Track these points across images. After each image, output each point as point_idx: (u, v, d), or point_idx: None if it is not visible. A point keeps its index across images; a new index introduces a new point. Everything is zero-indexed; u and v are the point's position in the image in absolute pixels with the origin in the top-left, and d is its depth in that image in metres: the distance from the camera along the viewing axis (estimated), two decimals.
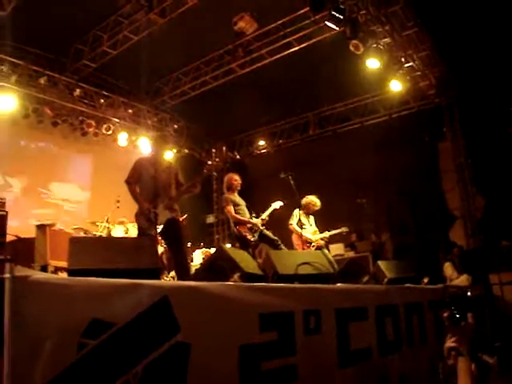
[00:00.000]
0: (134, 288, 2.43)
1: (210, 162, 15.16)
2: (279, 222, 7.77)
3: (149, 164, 5.81)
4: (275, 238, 7.11)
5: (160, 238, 5.84)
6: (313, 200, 8.03)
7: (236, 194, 7.33)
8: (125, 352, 2.31)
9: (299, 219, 7.76)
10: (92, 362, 2.16)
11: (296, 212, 7.76)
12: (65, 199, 11.84)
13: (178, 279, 5.32)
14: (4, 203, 6.80)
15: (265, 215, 7.33)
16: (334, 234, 8.19)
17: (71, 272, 3.16)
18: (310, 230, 7.92)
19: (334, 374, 3.57)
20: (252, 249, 6.98)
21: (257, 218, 7.25)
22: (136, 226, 6.03)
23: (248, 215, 7.22)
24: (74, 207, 11.97)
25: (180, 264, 5.62)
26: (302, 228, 7.74)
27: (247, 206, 7.33)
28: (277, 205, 7.47)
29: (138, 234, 5.75)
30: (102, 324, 2.23)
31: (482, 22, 8.78)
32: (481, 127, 10.42)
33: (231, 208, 7.13)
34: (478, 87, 10.19)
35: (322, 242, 7.98)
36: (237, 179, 7.40)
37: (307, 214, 8.00)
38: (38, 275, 2.13)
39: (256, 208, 7.62)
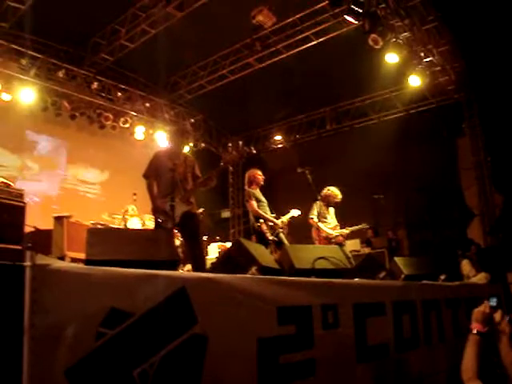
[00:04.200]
0: (152, 278, 2.42)
1: (226, 155, 15.14)
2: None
3: (166, 157, 5.83)
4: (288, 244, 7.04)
5: (176, 230, 5.85)
6: (334, 191, 7.90)
7: (258, 190, 7.29)
8: (142, 342, 2.30)
9: (320, 212, 7.63)
10: (110, 351, 2.16)
11: (316, 204, 7.60)
12: (85, 186, 11.98)
13: (194, 272, 5.32)
14: (22, 194, 6.85)
15: (285, 218, 7.27)
16: (354, 230, 8.11)
17: (89, 263, 3.15)
18: (330, 223, 7.80)
19: (351, 368, 3.55)
20: (271, 247, 6.93)
21: (277, 219, 7.21)
22: (153, 220, 6.07)
23: (270, 214, 7.18)
24: (92, 196, 12.09)
25: (196, 257, 5.64)
26: (322, 221, 7.65)
27: (268, 205, 7.28)
28: (295, 213, 7.39)
29: (155, 228, 5.78)
30: (120, 313, 2.22)
31: (501, 16, 8.64)
32: (500, 124, 10.29)
33: (254, 202, 7.08)
34: (498, 83, 10.04)
35: (342, 239, 7.90)
36: (260, 174, 7.36)
37: (327, 207, 7.90)
38: (59, 263, 2.13)
39: (272, 203, 7.59)
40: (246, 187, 7.40)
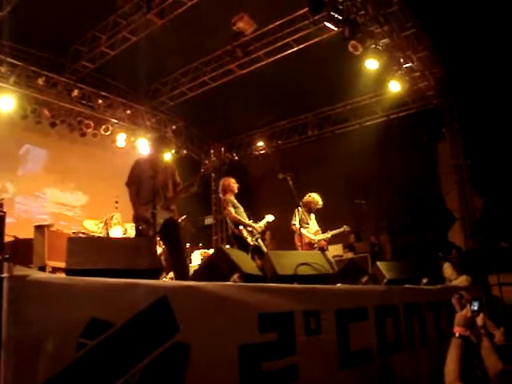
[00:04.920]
0: (133, 288, 2.42)
1: (207, 162, 15.11)
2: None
3: (146, 165, 5.83)
4: (265, 250, 7.06)
5: (158, 238, 5.83)
6: (315, 198, 8.03)
7: (234, 197, 7.32)
8: (124, 352, 2.29)
9: (301, 218, 7.68)
10: (91, 362, 2.14)
11: (297, 211, 7.68)
12: (61, 204, 11.83)
13: (177, 279, 5.30)
14: (2, 204, 6.77)
15: (262, 224, 7.32)
16: (336, 234, 8.17)
17: (69, 272, 3.14)
18: (312, 229, 7.89)
19: (334, 374, 3.56)
20: (251, 252, 6.95)
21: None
22: (134, 228, 6.05)
23: (247, 219, 7.22)
24: (71, 207, 11.95)
25: (178, 264, 5.63)
26: (304, 227, 7.70)
27: (245, 211, 7.33)
28: (270, 218, 7.45)
29: (137, 235, 5.76)
30: (100, 323, 2.21)
31: (480, 22, 8.78)
32: (480, 128, 10.42)
33: (232, 209, 7.11)
34: (477, 88, 10.18)
35: (324, 243, 7.96)
36: (234, 182, 7.43)
37: (309, 213, 7.99)
38: (37, 274, 2.11)
39: (254, 209, 7.62)
40: (221, 195, 7.44)
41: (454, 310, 2.99)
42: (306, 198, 8.01)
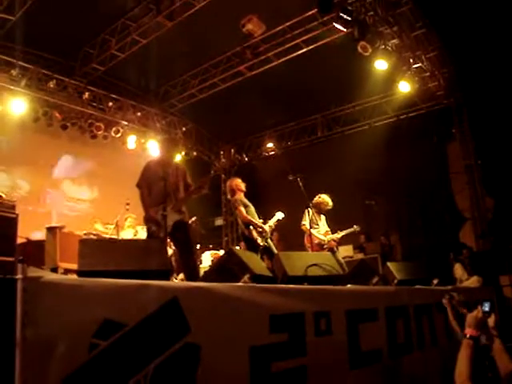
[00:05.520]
0: (144, 289, 2.44)
1: (217, 164, 15.17)
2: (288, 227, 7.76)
3: (157, 166, 5.86)
4: (275, 251, 7.05)
5: (169, 240, 5.86)
6: (325, 199, 8.03)
7: (243, 196, 7.32)
8: (136, 352, 2.31)
9: (311, 219, 7.66)
10: (103, 362, 2.17)
11: (307, 211, 7.63)
12: (73, 199, 11.91)
13: (187, 281, 5.32)
14: (14, 206, 6.82)
15: (272, 222, 7.31)
16: (346, 234, 8.15)
17: (81, 274, 3.16)
18: (321, 230, 7.88)
19: (344, 375, 3.56)
20: (260, 253, 6.96)
21: (264, 224, 7.24)
22: (145, 229, 6.08)
23: (257, 219, 7.21)
24: (82, 210, 12.02)
25: (189, 266, 5.65)
26: (314, 228, 7.69)
27: (255, 210, 7.32)
28: (280, 215, 7.44)
29: (147, 237, 5.79)
30: (113, 324, 2.23)
31: (489, 21, 8.74)
32: (490, 128, 10.36)
33: (242, 209, 7.11)
34: (487, 87, 10.13)
35: (334, 244, 7.95)
36: (241, 182, 7.42)
37: (319, 214, 7.98)
38: (51, 276, 2.14)
39: (265, 210, 7.62)
40: (229, 196, 7.45)
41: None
42: (316, 199, 8.01)
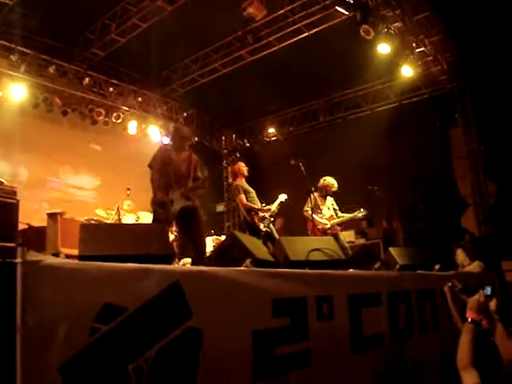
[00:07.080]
0: (146, 273, 2.42)
1: (225, 151, 15.14)
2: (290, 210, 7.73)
3: (171, 151, 5.90)
4: (277, 236, 7.04)
5: (175, 224, 5.91)
6: (330, 181, 7.98)
7: (245, 181, 7.30)
8: (137, 337, 2.30)
9: (314, 204, 7.61)
10: (104, 346, 2.16)
11: (311, 197, 7.54)
12: (75, 187, 11.88)
13: (195, 262, 5.34)
14: (15, 191, 6.80)
15: (274, 207, 7.29)
16: (352, 219, 8.07)
17: (82, 258, 3.15)
18: (325, 214, 7.81)
19: (346, 359, 3.56)
20: (262, 238, 6.95)
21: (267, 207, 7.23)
22: (147, 214, 6.10)
23: (259, 203, 7.20)
24: (83, 196, 12.00)
25: (197, 247, 5.67)
26: (318, 213, 7.64)
27: (257, 195, 7.31)
28: (283, 197, 7.42)
29: (153, 220, 5.82)
30: (114, 309, 2.22)
31: (493, 5, 8.63)
32: (493, 113, 10.30)
33: (243, 196, 7.11)
34: (490, 72, 10.04)
35: (339, 229, 7.90)
36: (244, 166, 7.42)
37: (324, 197, 7.93)
38: (51, 259, 2.12)
39: (266, 195, 7.59)
40: (231, 180, 7.45)
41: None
42: (321, 182, 7.96)
